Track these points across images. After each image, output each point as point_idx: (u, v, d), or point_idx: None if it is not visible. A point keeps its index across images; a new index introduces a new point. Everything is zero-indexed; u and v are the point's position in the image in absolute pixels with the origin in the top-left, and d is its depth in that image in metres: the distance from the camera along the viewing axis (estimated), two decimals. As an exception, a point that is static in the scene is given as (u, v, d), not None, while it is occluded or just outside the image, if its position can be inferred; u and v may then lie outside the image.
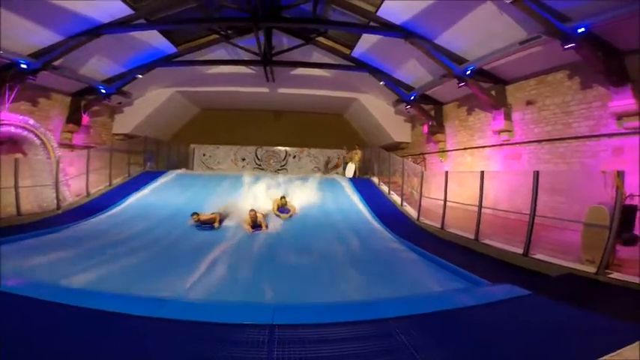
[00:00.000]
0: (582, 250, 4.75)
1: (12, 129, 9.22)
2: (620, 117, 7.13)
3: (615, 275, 4.21)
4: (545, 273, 4.80)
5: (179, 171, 13.65)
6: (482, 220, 6.55)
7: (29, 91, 10.72)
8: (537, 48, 7.94)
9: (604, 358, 2.17)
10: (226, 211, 8.60)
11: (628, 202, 4.62)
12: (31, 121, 9.74)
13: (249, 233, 7.69)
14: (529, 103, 9.44)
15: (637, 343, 2.25)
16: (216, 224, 8.10)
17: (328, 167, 16.63)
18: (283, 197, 8.73)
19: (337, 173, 15.56)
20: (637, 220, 4.69)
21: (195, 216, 8.16)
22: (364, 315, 3.00)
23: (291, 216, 8.42)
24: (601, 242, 4.34)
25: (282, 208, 8.56)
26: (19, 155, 9.46)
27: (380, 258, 6.13)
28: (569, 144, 8.29)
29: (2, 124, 8.99)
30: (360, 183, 12.75)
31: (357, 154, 14.83)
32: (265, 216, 8.48)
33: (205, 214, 8.25)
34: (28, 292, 3.17)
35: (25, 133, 9.52)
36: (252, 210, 8.23)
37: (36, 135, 9.71)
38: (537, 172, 5.44)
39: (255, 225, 8.04)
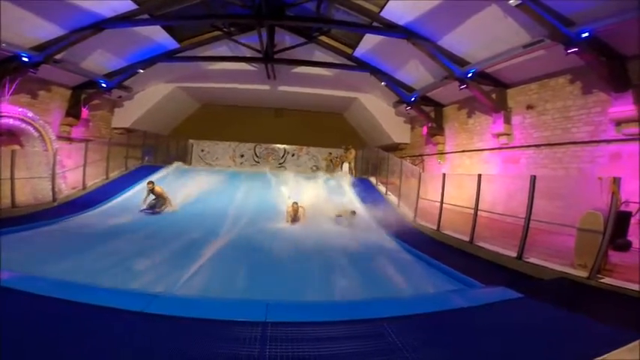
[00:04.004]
0: (575, 255, 4.76)
1: (10, 121, 9.18)
2: (619, 123, 7.15)
3: (606, 280, 4.23)
4: (538, 277, 4.82)
5: (175, 165, 13.75)
6: (479, 222, 6.55)
7: (29, 84, 10.69)
8: (540, 52, 7.96)
9: (593, 361, 2.19)
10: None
11: (623, 208, 4.64)
12: (30, 114, 9.70)
13: (289, 225, 7.91)
14: (529, 107, 9.45)
15: (624, 347, 2.27)
16: (168, 205, 8.82)
17: (333, 166, 16.42)
18: (354, 212, 8.89)
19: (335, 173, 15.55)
20: (630, 226, 4.72)
21: (150, 184, 8.86)
22: (357, 314, 3.02)
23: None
24: (594, 247, 4.36)
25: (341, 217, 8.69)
26: (16, 147, 9.43)
27: (375, 258, 6.14)
28: (568, 149, 8.30)
29: (1, 116, 8.95)
30: (357, 183, 12.76)
31: (352, 154, 14.94)
32: (304, 211, 8.45)
33: (159, 187, 8.92)
34: (19, 286, 3.16)
35: (24, 125, 9.48)
36: (295, 203, 8.20)
37: (34, 127, 9.68)
38: (534, 176, 5.45)
39: (295, 218, 8.07)
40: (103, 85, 12.46)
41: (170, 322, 2.69)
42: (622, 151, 7.11)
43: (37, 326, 2.50)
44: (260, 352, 2.30)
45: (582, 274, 4.42)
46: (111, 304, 2.88)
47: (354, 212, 9.10)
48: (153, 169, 12.78)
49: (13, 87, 9.71)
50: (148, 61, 12.78)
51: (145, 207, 8.78)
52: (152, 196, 8.88)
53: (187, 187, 10.65)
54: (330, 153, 16.84)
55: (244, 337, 2.49)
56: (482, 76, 10.00)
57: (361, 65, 13.25)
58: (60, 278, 3.72)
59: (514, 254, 5.41)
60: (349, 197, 11.20)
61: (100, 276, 4.26)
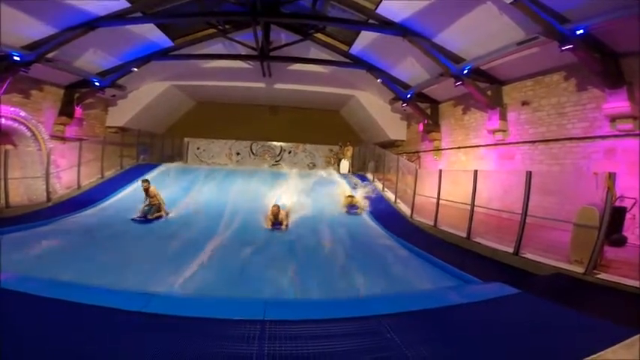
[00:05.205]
0: (571, 250, 4.80)
1: (2, 121, 9.06)
2: (613, 119, 7.20)
3: (602, 275, 4.26)
4: (534, 272, 4.85)
5: (174, 164, 13.68)
6: (475, 218, 6.59)
7: (21, 83, 10.54)
8: (535, 49, 7.97)
9: (589, 358, 2.20)
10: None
11: (618, 203, 4.67)
12: (23, 113, 9.61)
13: (269, 229, 7.51)
14: (524, 103, 9.49)
15: (622, 343, 2.29)
16: (162, 213, 8.16)
17: (332, 162, 16.39)
18: (350, 196, 9.95)
19: (334, 170, 15.52)
20: (625, 221, 4.75)
21: (145, 183, 8.29)
22: (355, 312, 3.03)
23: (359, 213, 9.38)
24: (590, 243, 4.39)
25: (352, 205, 9.64)
26: (9, 147, 9.32)
27: (372, 254, 6.15)
28: (563, 145, 8.35)
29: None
30: (355, 179, 12.76)
31: (349, 151, 14.98)
32: (288, 214, 8.07)
33: (154, 188, 8.30)
34: (16, 286, 3.14)
35: (16, 125, 9.38)
36: (275, 205, 7.88)
37: (27, 127, 9.58)
38: (530, 172, 5.47)
39: (276, 222, 7.71)
40: (97, 83, 12.32)
41: (168, 321, 2.68)
42: (616, 146, 7.17)
43: (34, 327, 2.47)
44: (259, 350, 2.30)
45: (578, 269, 4.45)
46: (109, 303, 2.87)
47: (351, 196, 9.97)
48: (148, 167, 12.71)
49: (5, 86, 9.57)
50: (142, 60, 12.64)
51: (137, 214, 7.98)
52: (146, 201, 8.24)
53: (189, 188, 10.62)
54: (331, 150, 16.82)
55: (243, 335, 2.49)
56: (477, 73, 10.02)
57: (357, 62, 13.21)
58: (57, 278, 3.68)
59: (510, 250, 5.45)
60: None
61: (95, 277, 4.23)
